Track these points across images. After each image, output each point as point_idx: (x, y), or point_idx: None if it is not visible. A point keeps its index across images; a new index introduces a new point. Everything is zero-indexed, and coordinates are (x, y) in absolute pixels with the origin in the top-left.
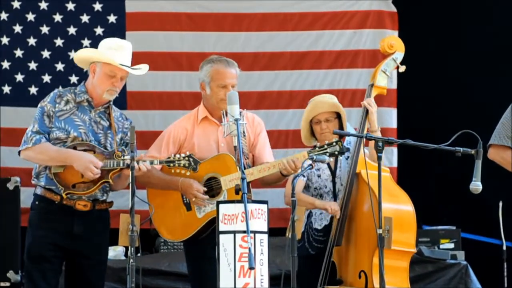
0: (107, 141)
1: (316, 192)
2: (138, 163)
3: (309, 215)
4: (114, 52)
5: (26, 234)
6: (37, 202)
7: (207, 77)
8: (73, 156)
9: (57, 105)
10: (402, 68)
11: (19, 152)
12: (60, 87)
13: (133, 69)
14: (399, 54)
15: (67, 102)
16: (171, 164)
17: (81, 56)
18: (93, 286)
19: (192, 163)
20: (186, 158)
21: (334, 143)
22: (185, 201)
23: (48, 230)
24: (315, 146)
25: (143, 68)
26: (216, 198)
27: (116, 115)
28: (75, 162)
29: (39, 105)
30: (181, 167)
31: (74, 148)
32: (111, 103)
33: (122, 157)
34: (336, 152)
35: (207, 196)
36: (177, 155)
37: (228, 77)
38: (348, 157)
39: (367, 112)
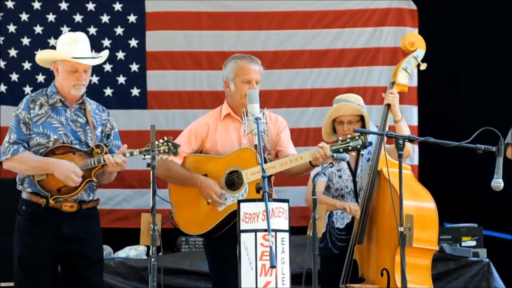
0: (87, 138)
1: (338, 193)
2: (113, 156)
3: (330, 215)
4: (69, 47)
5: (14, 241)
6: (24, 207)
7: (231, 73)
8: (53, 165)
9: (31, 110)
10: (423, 66)
11: (1, 164)
12: None
13: (92, 58)
14: (420, 52)
15: (41, 105)
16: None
17: (42, 57)
18: (92, 284)
19: (172, 147)
20: (165, 144)
21: (357, 137)
22: None
23: (38, 236)
24: (337, 140)
25: (103, 55)
26: (237, 191)
27: (92, 108)
28: (56, 171)
29: (13, 114)
30: (162, 153)
31: (53, 151)
32: (85, 97)
33: (101, 153)
34: (359, 146)
35: (222, 201)
36: (156, 142)
37: (252, 73)
38: (369, 159)
39: (388, 106)
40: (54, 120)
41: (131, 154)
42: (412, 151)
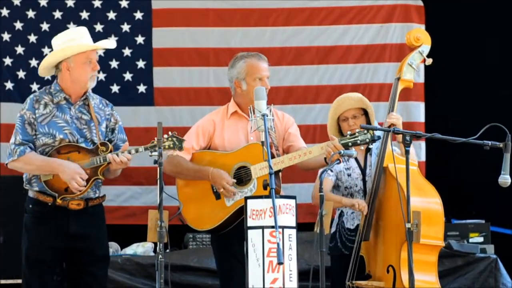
0: (92, 135)
1: (347, 192)
2: (118, 155)
3: (341, 215)
4: (79, 41)
5: (22, 238)
6: (30, 206)
7: (242, 73)
8: (59, 167)
9: (36, 110)
10: (429, 61)
11: (6, 164)
12: None
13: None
14: (426, 47)
15: (46, 105)
16: (156, 148)
17: (50, 61)
18: (96, 279)
19: (177, 142)
20: (170, 139)
21: (365, 131)
22: (215, 190)
23: (45, 233)
24: (346, 135)
25: (110, 42)
26: (246, 186)
27: (96, 103)
28: (61, 173)
29: (18, 114)
30: (167, 148)
31: (58, 150)
32: (88, 93)
33: (107, 151)
34: (367, 140)
35: (235, 190)
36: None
37: (263, 70)
38: (377, 154)
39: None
40: (59, 119)
41: (136, 151)
42: (419, 151)
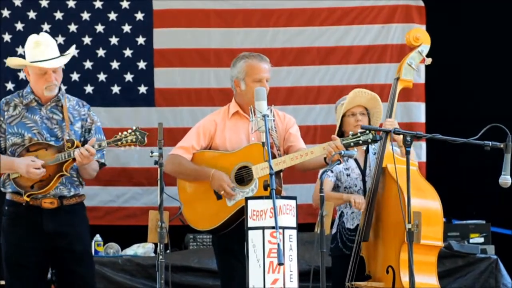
0: (64, 134)
1: (347, 192)
2: (80, 150)
3: (341, 215)
4: (34, 51)
5: (1, 241)
6: (7, 208)
7: (241, 73)
8: (13, 165)
9: (5, 113)
10: (428, 61)
11: None
12: (89, 85)
13: (60, 56)
14: (425, 47)
15: (15, 107)
16: (119, 142)
17: (12, 63)
18: (83, 277)
19: (139, 136)
20: (133, 133)
21: (367, 132)
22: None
23: (20, 234)
24: (348, 135)
25: (70, 52)
26: (247, 186)
27: (72, 104)
28: (17, 170)
29: None
30: (129, 142)
31: (27, 149)
32: (62, 94)
33: (72, 147)
34: (369, 140)
35: (234, 193)
36: (124, 132)
37: (262, 71)
38: (375, 153)
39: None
40: (28, 120)
41: (99, 145)
42: (419, 152)
